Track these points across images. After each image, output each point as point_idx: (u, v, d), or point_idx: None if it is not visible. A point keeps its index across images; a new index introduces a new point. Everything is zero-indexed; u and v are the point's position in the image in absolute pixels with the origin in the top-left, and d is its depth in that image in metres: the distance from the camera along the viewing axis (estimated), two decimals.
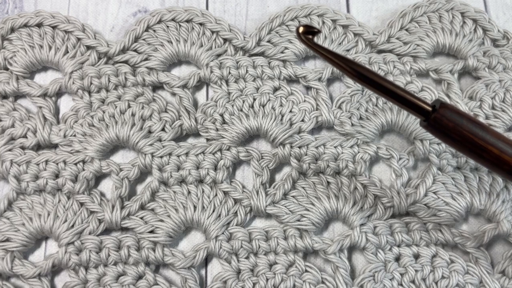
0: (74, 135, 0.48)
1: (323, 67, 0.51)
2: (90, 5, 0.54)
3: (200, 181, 0.47)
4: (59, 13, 0.51)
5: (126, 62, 0.50)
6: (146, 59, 0.50)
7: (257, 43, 0.51)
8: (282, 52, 0.50)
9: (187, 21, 0.51)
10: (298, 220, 0.46)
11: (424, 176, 0.47)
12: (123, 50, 0.50)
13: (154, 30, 0.51)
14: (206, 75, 0.50)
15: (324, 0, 0.54)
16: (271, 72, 0.50)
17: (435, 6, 0.52)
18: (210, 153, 0.47)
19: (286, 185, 0.47)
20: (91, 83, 0.49)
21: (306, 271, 0.45)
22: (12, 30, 0.51)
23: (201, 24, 0.51)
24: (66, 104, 0.51)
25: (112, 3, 0.55)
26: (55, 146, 0.49)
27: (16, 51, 0.50)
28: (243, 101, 0.49)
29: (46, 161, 0.47)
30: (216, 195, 0.47)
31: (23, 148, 0.48)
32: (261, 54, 0.51)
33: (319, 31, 0.36)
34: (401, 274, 0.44)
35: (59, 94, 0.51)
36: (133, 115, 0.49)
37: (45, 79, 0.52)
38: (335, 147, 0.47)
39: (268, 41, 0.51)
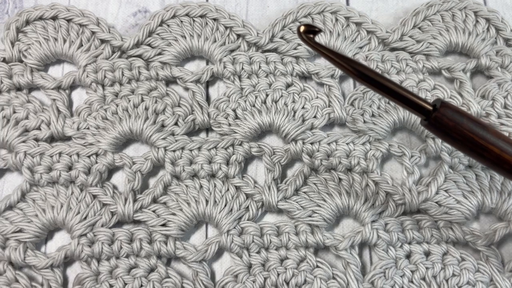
0: (88, 128, 0.49)
1: None
2: (90, 5, 0.55)
3: (212, 175, 0.47)
4: (74, 7, 0.52)
5: (139, 56, 0.51)
6: (159, 54, 0.51)
7: (270, 39, 0.51)
8: (295, 49, 0.51)
9: (201, 16, 0.51)
10: (310, 216, 0.46)
11: (436, 174, 0.47)
12: (137, 44, 0.51)
13: (168, 25, 0.51)
14: (219, 71, 0.50)
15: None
16: (283, 68, 0.50)
17: (448, 5, 0.52)
18: (222, 148, 0.48)
19: (297, 181, 0.47)
20: (105, 77, 0.50)
21: (317, 266, 0.45)
22: (27, 22, 0.51)
23: (214, 19, 0.51)
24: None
25: (112, 3, 0.55)
26: (68, 138, 0.49)
27: (30, 44, 0.51)
28: (256, 97, 0.49)
29: (60, 153, 0.48)
30: (228, 189, 0.47)
31: (36, 140, 0.48)
32: (274, 50, 0.51)
33: (320, 30, 0.36)
34: (412, 271, 0.45)
35: (72, 87, 0.51)
36: (146, 109, 0.49)
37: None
38: (347, 144, 0.47)
39: (281, 38, 0.51)
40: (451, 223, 0.46)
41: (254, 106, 0.49)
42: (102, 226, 0.46)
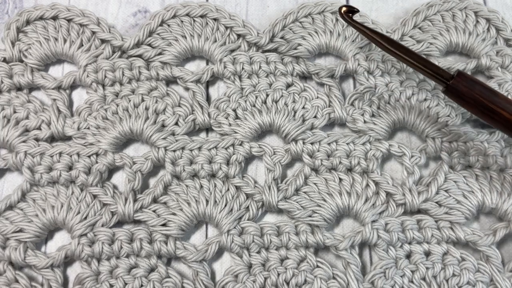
0: (88, 128, 0.49)
1: (336, 64, 0.51)
2: (90, 5, 0.55)
3: (213, 175, 0.47)
4: (74, 7, 0.52)
5: (140, 56, 0.51)
6: (160, 54, 0.51)
7: (271, 39, 0.51)
8: (295, 49, 0.51)
9: (202, 16, 0.51)
10: (310, 216, 0.46)
11: (436, 174, 0.47)
12: (137, 44, 0.51)
13: (169, 25, 0.51)
14: (220, 71, 0.50)
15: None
16: (284, 68, 0.50)
17: (449, 5, 0.52)
18: (222, 147, 0.48)
19: (298, 181, 0.47)
20: (105, 77, 0.50)
21: (317, 266, 0.45)
22: (28, 22, 0.51)
23: (215, 19, 0.51)
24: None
25: (112, 3, 0.55)
26: (69, 138, 0.49)
27: (31, 44, 0.51)
28: (256, 97, 0.49)
29: (60, 153, 0.48)
30: (228, 189, 0.47)
31: (37, 139, 0.48)
32: (274, 50, 0.51)
33: (358, 10, 0.45)
34: (412, 271, 0.45)
35: (73, 87, 0.51)
36: (146, 109, 0.49)
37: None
38: (347, 144, 0.47)
39: (282, 38, 0.51)
40: (451, 223, 0.46)
41: (254, 106, 0.49)
42: (102, 226, 0.46)
